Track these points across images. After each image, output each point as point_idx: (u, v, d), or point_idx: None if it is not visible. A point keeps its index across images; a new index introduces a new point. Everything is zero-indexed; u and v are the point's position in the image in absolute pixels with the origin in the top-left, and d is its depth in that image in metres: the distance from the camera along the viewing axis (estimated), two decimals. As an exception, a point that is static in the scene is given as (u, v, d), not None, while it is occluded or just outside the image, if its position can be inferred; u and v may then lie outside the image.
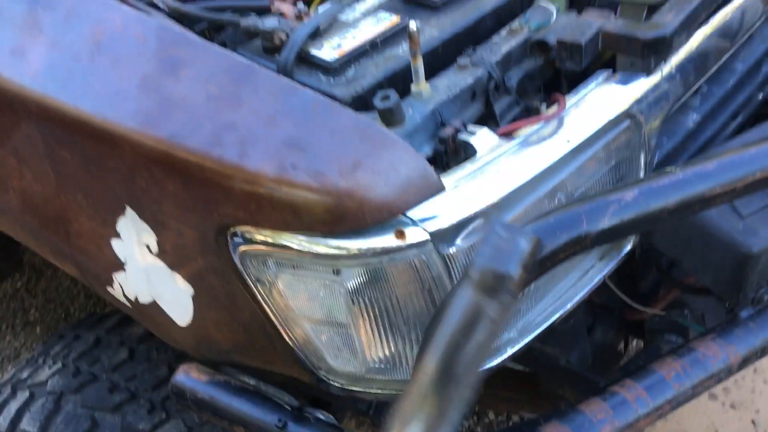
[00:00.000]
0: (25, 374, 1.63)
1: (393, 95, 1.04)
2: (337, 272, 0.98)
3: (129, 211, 1.09)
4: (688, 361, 1.10)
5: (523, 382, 1.70)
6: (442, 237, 0.97)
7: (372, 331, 1.03)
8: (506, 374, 1.67)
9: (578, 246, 0.84)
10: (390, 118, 1.05)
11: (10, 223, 1.30)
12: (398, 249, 0.96)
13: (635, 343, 2.10)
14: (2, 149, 1.20)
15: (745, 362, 1.13)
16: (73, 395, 1.53)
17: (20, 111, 1.13)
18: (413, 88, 1.11)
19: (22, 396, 1.56)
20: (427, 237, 0.96)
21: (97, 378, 1.55)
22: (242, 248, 1.01)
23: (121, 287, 1.20)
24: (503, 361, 1.14)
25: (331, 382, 1.12)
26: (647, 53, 1.16)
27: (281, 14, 1.23)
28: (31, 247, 1.34)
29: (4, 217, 1.30)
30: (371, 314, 1.01)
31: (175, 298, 1.14)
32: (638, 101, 1.16)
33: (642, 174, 1.21)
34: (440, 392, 0.56)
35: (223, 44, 1.33)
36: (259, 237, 0.99)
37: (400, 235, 0.95)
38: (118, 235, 1.13)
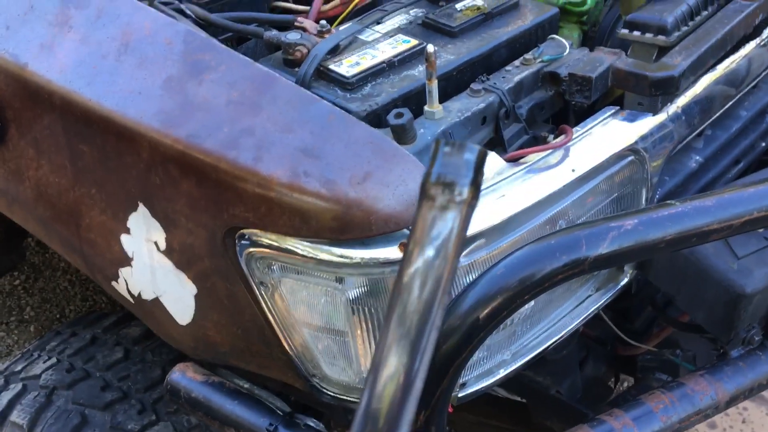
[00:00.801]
0: (19, 367, 1.64)
1: (407, 113, 1.07)
2: (339, 280, 1.01)
3: (141, 207, 1.11)
4: (676, 394, 1.12)
5: (514, 412, 1.71)
6: (445, 253, 1.00)
7: (369, 341, 1.05)
8: (497, 404, 1.69)
9: (577, 269, 0.86)
10: (402, 135, 1.08)
11: (22, 212, 1.33)
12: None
13: (626, 383, 2.11)
14: (22, 139, 1.23)
15: (733, 400, 1.14)
16: (65, 391, 1.54)
17: (44, 103, 1.16)
18: (426, 108, 1.14)
19: (15, 388, 1.57)
20: (430, 252, 0.98)
21: (91, 375, 1.56)
22: (248, 250, 1.03)
23: (126, 282, 1.22)
24: (495, 383, 1.16)
25: (324, 390, 1.13)
26: (655, 92, 1.20)
27: (304, 30, 1.27)
28: (40, 237, 1.36)
29: (16, 205, 1.33)
30: (370, 324, 1.03)
31: (178, 297, 1.16)
32: (643, 138, 1.20)
33: (643, 209, 1.24)
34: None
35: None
36: (266, 240, 1.01)
37: (404, 247, 0.97)
38: (128, 231, 1.15)
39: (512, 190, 1.07)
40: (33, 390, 1.55)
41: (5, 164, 1.27)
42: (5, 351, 2.97)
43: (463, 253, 1.02)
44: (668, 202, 0.91)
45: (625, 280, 1.29)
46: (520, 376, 1.23)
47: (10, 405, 1.54)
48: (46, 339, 1.72)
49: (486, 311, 0.87)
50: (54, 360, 1.62)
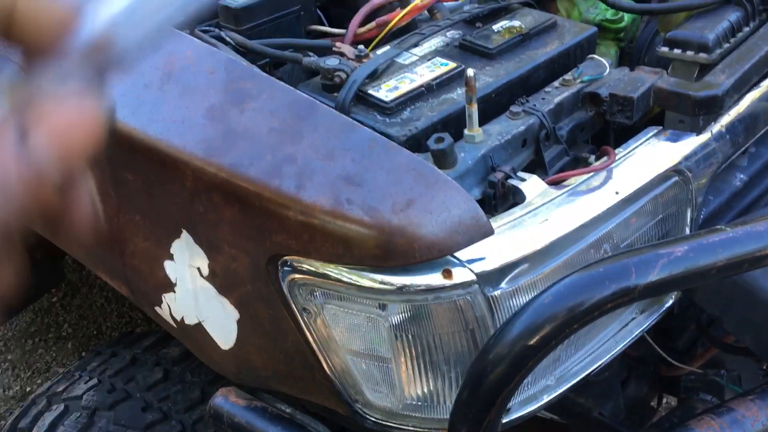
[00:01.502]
0: (61, 387, 1.66)
1: (447, 138, 1.07)
2: (382, 307, 1.00)
3: (185, 234, 1.12)
4: (726, 420, 1.10)
5: (555, 432, 1.69)
6: (488, 279, 0.99)
7: (412, 367, 1.04)
8: (539, 424, 1.66)
9: (626, 297, 0.85)
10: (443, 160, 1.08)
11: (66, 239, 1.35)
12: (444, 288, 0.98)
13: (668, 401, 2.07)
14: (67, 167, 1.24)
15: (785, 426, 1.12)
16: (106, 412, 1.55)
17: (88, 132, 1.18)
18: (466, 132, 1.14)
19: (57, 409, 1.59)
20: (474, 278, 0.98)
21: (131, 396, 1.58)
22: (291, 277, 1.03)
23: (169, 307, 1.23)
24: (539, 409, 1.15)
25: (367, 416, 1.13)
26: (698, 112, 1.18)
27: (342, 54, 1.27)
28: (85, 263, 1.38)
29: (61, 233, 1.35)
30: (413, 351, 1.03)
31: (221, 322, 1.17)
32: (687, 158, 1.18)
33: (687, 230, 1.22)
34: None
35: (281, 80, 1.38)
36: (309, 267, 1.02)
37: (448, 274, 0.97)
38: (171, 257, 1.16)
39: (555, 214, 1.06)
40: (75, 411, 1.57)
41: (50, 192, 1.29)
42: (44, 368, 3.01)
43: (506, 279, 1.01)
44: (718, 227, 0.90)
45: (670, 301, 1.27)
46: (562, 398, 1.21)
47: (53, 426, 1.56)
48: (87, 359, 1.75)
49: (534, 340, 0.86)
50: (95, 381, 1.64)
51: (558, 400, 1.17)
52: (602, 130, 1.32)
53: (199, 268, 1.14)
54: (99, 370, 1.68)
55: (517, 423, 1.14)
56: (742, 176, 1.34)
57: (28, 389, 2.92)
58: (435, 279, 0.98)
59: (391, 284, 0.98)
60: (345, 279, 1.00)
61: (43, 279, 2.42)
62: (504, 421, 1.12)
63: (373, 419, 1.13)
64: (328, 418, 1.24)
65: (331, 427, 1.26)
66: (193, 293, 1.17)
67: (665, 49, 1.27)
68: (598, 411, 1.49)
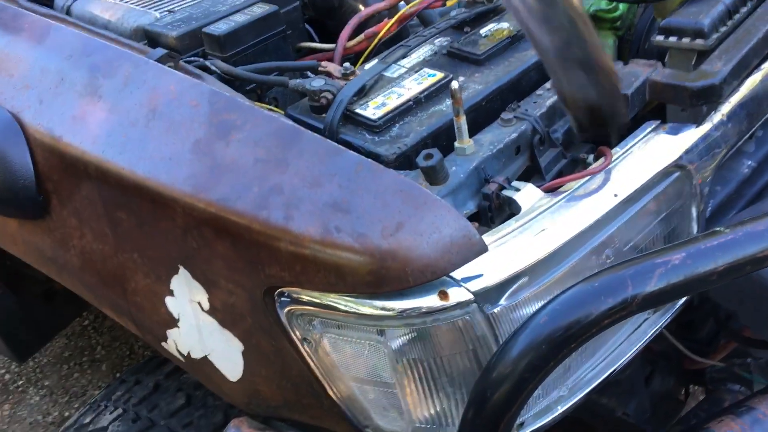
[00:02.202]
0: (87, 419, 1.68)
1: (436, 154, 1.05)
2: (381, 333, 0.99)
3: (182, 270, 1.12)
4: (747, 420, 1.06)
5: (581, 431, 1.66)
6: (486, 296, 0.97)
7: (417, 390, 1.03)
8: (563, 424, 1.64)
9: (624, 311, 0.82)
10: (433, 176, 1.06)
11: (71, 279, 1.36)
12: (442, 309, 0.96)
13: (697, 389, 2.03)
14: (64, 209, 1.25)
15: (810, 423, 1.08)
16: (132, 442, 1.56)
17: (81, 173, 1.18)
18: (457, 144, 1.11)
19: (85, 442, 1.61)
20: (471, 297, 0.96)
21: (155, 424, 1.59)
22: (288, 308, 1.02)
23: (175, 343, 1.23)
24: (554, 420, 1.12)
25: (378, 440, 1.12)
26: (696, 103, 1.14)
27: (328, 74, 1.26)
28: (91, 302, 1.39)
29: (65, 273, 1.36)
30: (416, 374, 1.01)
31: (226, 355, 1.16)
32: (688, 151, 1.14)
33: (694, 224, 1.19)
34: None
35: (275, 99, 1.37)
36: (305, 297, 1.01)
37: (444, 295, 0.95)
38: (171, 293, 1.16)
39: (553, 223, 1.04)
40: (102, 443, 1.59)
41: (51, 234, 1.30)
42: (80, 391, 3.06)
43: (506, 295, 0.99)
44: (717, 229, 0.86)
45: (684, 298, 1.24)
46: (585, 400, 1.19)
47: (82, 459, 1.58)
48: (112, 388, 1.76)
49: (532, 361, 0.84)
50: (120, 410, 1.65)
51: (580, 404, 1.15)
52: (602, 127, 1.28)
53: (199, 303, 1.13)
54: (123, 399, 1.69)
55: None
56: (749, 162, 1.30)
57: (66, 414, 2.97)
58: (431, 301, 0.96)
59: (388, 309, 0.97)
60: (341, 307, 0.99)
61: (67, 306, 2.45)
62: (519, 435, 1.10)
63: (384, 443, 1.12)
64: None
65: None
66: (196, 328, 1.17)
67: (660, 37, 1.22)
68: (622, 410, 1.46)
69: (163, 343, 1.26)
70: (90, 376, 3.12)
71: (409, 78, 1.24)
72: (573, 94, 0.94)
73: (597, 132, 1.03)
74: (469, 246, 0.95)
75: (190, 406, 1.62)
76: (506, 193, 1.07)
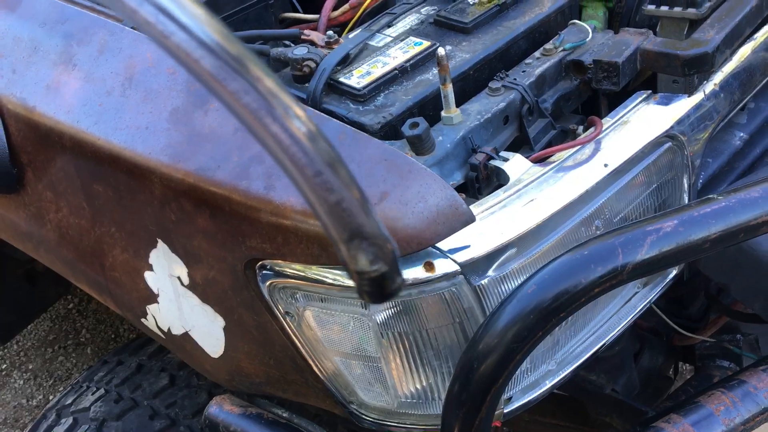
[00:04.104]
0: (69, 400, 1.65)
1: (422, 123, 1.02)
2: (365, 305, 0.96)
3: (160, 244, 1.09)
4: (738, 394, 1.05)
5: (572, 409, 1.64)
6: (474, 268, 0.95)
7: (402, 365, 1.00)
8: (554, 401, 1.62)
9: (614, 279, 0.80)
10: (419, 145, 1.03)
11: (48, 254, 1.32)
12: (428, 281, 0.93)
13: (687, 368, 2.02)
14: (39, 183, 1.22)
15: (802, 395, 1.06)
16: (114, 422, 1.54)
17: (56, 145, 1.15)
18: (443, 114, 1.08)
19: (66, 422, 1.58)
20: (458, 268, 0.93)
21: (139, 405, 1.56)
22: (270, 281, 1.00)
23: (155, 319, 1.20)
24: (542, 395, 1.10)
25: (363, 416, 1.09)
26: (688, 71, 1.11)
27: (311, 42, 1.22)
28: (69, 278, 1.36)
29: (42, 248, 1.32)
30: (401, 348, 0.99)
31: (207, 330, 1.13)
32: (680, 122, 1.12)
33: (686, 196, 1.17)
34: None
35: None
36: (287, 270, 0.98)
37: (429, 267, 0.93)
38: (150, 268, 1.13)
39: (541, 193, 1.01)
40: (83, 423, 1.56)
41: (27, 209, 1.27)
42: (65, 375, 3.03)
43: (493, 266, 0.96)
44: (710, 197, 0.84)
45: (674, 272, 1.22)
46: (573, 376, 1.17)
47: (63, 440, 1.55)
48: (94, 369, 1.73)
49: (520, 332, 0.81)
50: (102, 391, 1.63)
51: (568, 378, 1.13)
52: (592, 98, 1.25)
53: (179, 277, 1.10)
54: (106, 380, 1.66)
55: (520, 411, 1.10)
56: (741, 134, 1.27)
57: (51, 397, 2.94)
58: (417, 273, 0.93)
59: None
60: (325, 280, 0.96)
61: (47, 290, 2.42)
62: (506, 410, 1.08)
63: (369, 419, 1.09)
64: (327, 418, 1.22)
65: (332, 427, 1.23)
66: (176, 303, 1.14)
67: (651, 6, 1.20)
68: (611, 387, 1.45)
69: (142, 320, 1.23)
70: (75, 360, 3.08)
71: (394, 47, 1.21)
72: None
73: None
74: (456, 216, 0.92)
75: (174, 386, 1.60)
76: (494, 163, 1.04)
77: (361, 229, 0.59)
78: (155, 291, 1.15)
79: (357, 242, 0.59)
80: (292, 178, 0.58)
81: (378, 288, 0.63)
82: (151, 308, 1.18)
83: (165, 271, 1.11)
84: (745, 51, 1.21)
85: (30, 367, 3.06)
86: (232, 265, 1.02)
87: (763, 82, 1.27)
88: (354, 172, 0.93)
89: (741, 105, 1.25)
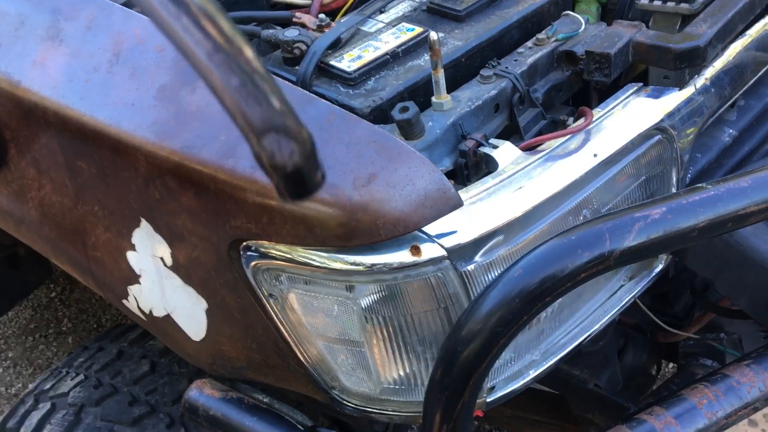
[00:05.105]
0: (48, 385, 1.63)
1: (412, 107, 1.01)
2: (350, 288, 0.95)
3: (144, 223, 1.07)
4: (721, 388, 1.04)
5: (554, 405, 1.64)
6: (460, 253, 0.94)
7: (386, 350, 0.99)
8: (536, 397, 1.62)
9: (601, 265, 0.80)
10: (409, 130, 1.02)
11: (29, 233, 1.30)
12: (413, 265, 0.92)
13: (669, 367, 2.03)
14: (23, 159, 1.20)
15: (784, 391, 1.06)
16: (93, 408, 1.52)
17: (40, 121, 1.13)
18: (434, 100, 1.08)
19: (44, 407, 1.56)
20: (444, 253, 0.92)
21: (118, 391, 1.55)
22: (255, 263, 0.98)
23: (136, 300, 1.18)
24: (525, 385, 1.10)
25: (345, 402, 1.08)
26: (680, 65, 1.11)
27: (302, 25, 1.21)
28: (50, 258, 1.34)
29: (23, 227, 1.30)
30: (385, 333, 0.98)
31: (189, 313, 1.12)
32: (670, 115, 1.12)
33: (674, 191, 1.16)
34: None
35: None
36: (272, 251, 0.97)
37: (416, 251, 0.92)
38: (133, 248, 1.11)
39: (530, 181, 1.00)
40: (62, 408, 1.54)
41: (8, 185, 1.25)
42: (45, 364, 3.00)
43: (480, 252, 0.96)
44: (699, 185, 0.84)
45: (660, 266, 1.22)
46: (556, 370, 1.16)
47: (40, 425, 1.53)
48: (74, 355, 1.72)
49: (505, 316, 0.81)
50: (81, 377, 1.61)
51: (552, 373, 1.13)
52: (583, 90, 1.25)
53: (162, 258, 1.09)
54: (85, 366, 1.65)
55: (503, 401, 1.09)
56: (731, 131, 1.28)
57: (30, 386, 2.91)
58: (403, 256, 0.92)
59: (358, 264, 0.93)
60: (309, 261, 0.95)
61: (29, 276, 2.39)
62: (489, 399, 1.08)
63: (351, 405, 1.08)
64: (309, 406, 1.20)
65: (313, 414, 1.22)
66: (158, 284, 1.12)
67: (645, 1, 1.19)
68: (594, 382, 1.45)
69: (123, 301, 1.21)
70: (56, 349, 3.06)
71: (386, 32, 1.20)
72: None
73: None
74: (444, 200, 0.91)
75: (155, 373, 1.58)
76: (484, 150, 1.04)
77: (272, 118, 0.55)
78: (137, 271, 1.14)
79: (268, 133, 0.55)
80: (189, 58, 0.54)
81: (296, 184, 0.59)
82: (133, 289, 1.17)
83: (148, 251, 1.10)
84: (736, 47, 1.21)
85: (10, 355, 3.02)
86: (216, 245, 1.00)
87: (754, 79, 1.27)
88: (342, 154, 0.93)
89: (731, 102, 1.25)
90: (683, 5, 1.16)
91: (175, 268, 1.08)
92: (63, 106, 1.08)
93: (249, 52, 0.55)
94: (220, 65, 0.52)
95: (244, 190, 0.94)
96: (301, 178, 0.59)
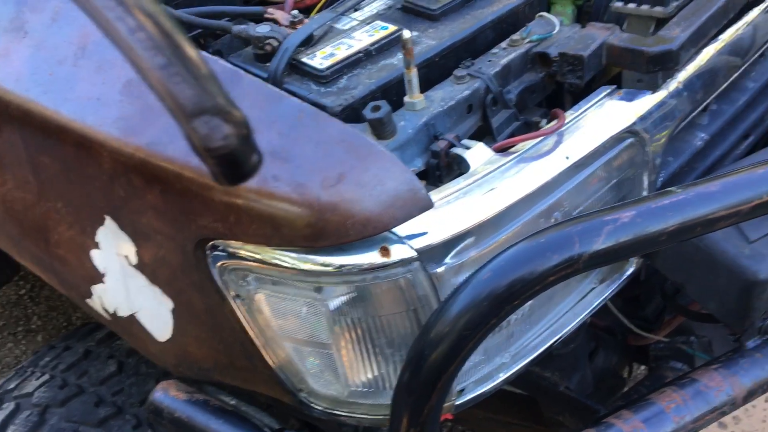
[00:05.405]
0: (12, 384, 1.60)
1: (384, 106, 1.00)
2: (318, 290, 0.94)
3: (108, 221, 1.05)
4: (689, 392, 1.04)
5: (524, 407, 1.64)
6: (430, 255, 0.93)
7: (354, 352, 0.98)
8: (507, 399, 1.62)
9: (570, 268, 0.79)
10: (381, 129, 1.01)
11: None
12: (383, 267, 0.91)
13: (641, 369, 2.04)
14: (-16, 154, 1.17)
15: (751, 395, 1.07)
16: (58, 408, 1.49)
17: (2, 115, 1.10)
18: (407, 99, 1.06)
19: (8, 407, 1.53)
20: (414, 255, 0.91)
21: (84, 391, 1.52)
22: (221, 262, 0.96)
23: (101, 300, 1.16)
24: (495, 388, 1.09)
25: (313, 405, 1.07)
26: (653, 68, 1.11)
27: (275, 21, 1.19)
28: (13, 256, 1.31)
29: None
30: (354, 335, 0.96)
31: (155, 313, 1.10)
32: (642, 118, 1.11)
33: (645, 194, 1.16)
34: None
35: (219, 52, 1.29)
36: (239, 251, 0.95)
37: (385, 252, 0.91)
38: (97, 246, 1.09)
39: (502, 183, 1.00)
40: (26, 409, 1.51)
41: (-30, 181, 1.21)
42: (13, 362, 2.94)
43: (451, 254, 0.95)
44: (669, 189, 0.83)
45: (631, 269, 1.22)
46: (527, 372, 1.16)
47: (4, 425, 1.50)
48: (40, 354, 1.68)
49: (473, 319, 0.80)
50: (47, 376, 1.58)
51: (523, 375, 1.12)
52: (556, 92, 1.25)
53: (127, 257, 1.06)
54: (51, 365, 1.61)
55: (473, 404, 1.09)
56: (703, 135, 1.28)
57: (-3, 385, 2.85)
58: (372, 257, 0.91)
59: (326, 265, 0.91)
60: (277, 262, 0.93)
61: (-2, 270, 2.34)
62: (458, 402, 1.07)
63: (319, 408, 1.07)
64: (279, 408, 1.19)
65: (284, 417, 1.20)
66: (123, 284, 1.10)
67: (619, 4, 1.19)
68: (565, 385, 1.45)
69: (87, 300, 1.18)
70: (24, 347, 3.00)
71: (360, 30, 1.19)
72: None
73: None
74: (414, 201, 0.90)
75: (122, 373, 1.56)
76: (456, 150, 1.03)
77: (204, 99, 0.53)
78: (101, 270, 1.11)
79: (201, 115, 0.53)
80: (111, 36, 0.52)
81: (231, 168, 0.57)
82: (97, 288, 1.14)
83: (112, 249, 1.07)
84: (709, 52, 1.21)
85: (-23, 352, 2.97)
86: (182, 244, 0.98)
87: (726, 83, 1.28)
88: (311, 152, 0.91)
89: (703, 106, 1.25)
90: (657, 8, 1.16)
91: (141, 267, 1.06)
92: (26, 99, 1.06)
93: (174, 30, 0.53)
94: (144, 43, 0.50)
95: (210, 188, 0.92)
96: (236, 162, 0.57)
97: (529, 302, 1.00)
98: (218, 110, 0.53)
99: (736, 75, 1.30)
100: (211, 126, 0.53)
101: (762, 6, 1.32)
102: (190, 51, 0.53)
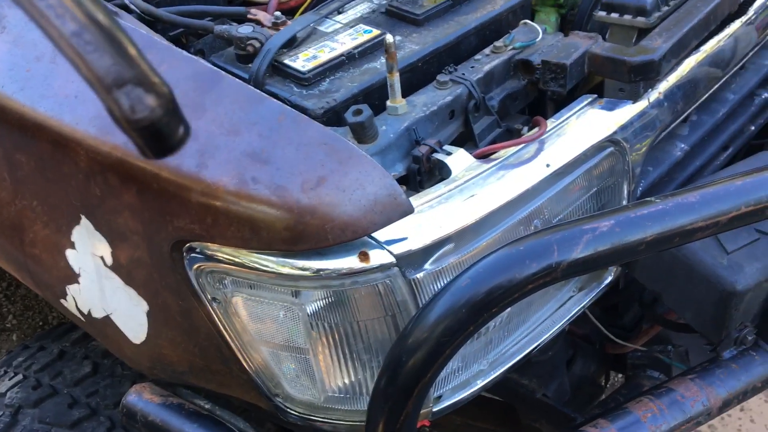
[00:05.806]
0: (-16, 385, 1.57)
1: (366, 110, 0.99)
2: (296, 294, 0.93)
3: (84, 220, 1.03)
4: (665, 401, 1.05)
5: (503, 414, 1.64)
6: (410, 261, 0.92)
7: (332, 357, 0.97)
8: (485, 405, 1.61)
9: (548, 276, 0.79)
10: (362, 133, 1.00)
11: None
12: (361, 272, 0.90)
13: (618, 377, 2.05)
14: (-42, 150, 1.14)
15: (726, 405, 1.07)
16: (31, 409, 1.47)
17: (-22, 111, 1.08)
18: (389, 103, 1.06)
19: (-20, 408, 1.50)
20: (393, 260, 0.91)
21: (58, 392, 1.50)
22: (198, 265, 0.95)
23: (75, 300, 1.14)
24: (473, 395, 1.09)
25: (289, 410, 1.06)
26: (634, 78, 1.12)
27: (257, 22, 1.18)
28: (-14, 254, 1.28)
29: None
30: (331, 340, 0.96)
31: (129, 314, 1.08)
32: (623, 127, 1.12)
33: (625, 203, 1.17)
34: None
35: (200, 52, 1.28)
36: (215, 254, 0.94)
37: (364, 257, 0.90)
38: (72, 246, 1.07)
39: (482, 190, 0.99)
40: (-2, 409, 1.49)
41: (-57, 177, 1.19)
42: (-14, 361, 2.89)
43: (430, 260, 0.94)
44: (647, 199, 0.84)
45: (610, 278, 1.22)
46: (505, 379, 1.16)
47: (-25, 426, 1.47)
48: (14, 354, 1.66)
49: (451, 326, 0.79)
50: (20, 377, 1.55)
51: (501, 382, 1.12)
52: (539, 99, 1.25)
53: (102, 257, 1.05)
54: (25, 366, 1.59)
55: (450, 410, 1.08)
56: (683, 145, 1.29)
57: (-32, 385, 2.80)
58: (351, 262, 0.90)
59: (304, 269, 0.91)
60: (254, 265, 0.92)
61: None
62: (435, 409, 1.06)
63: (295, 413, 1.06)
64: (256, 412, 1.17)
65: (260, 421, 1.19)
66: (98, 284, 1.08)
67: (602, 13, 1.20)
68: (542, 392, 1.45)
69: (62, 301, 1.16)
70: (-2, 346, 2.96)
71: (343, 33, 1.18)
72: None
73: None
74: (394, 206, 0.90)
75: (97, 374, 1.53)
76: (437, 156, 1.03)
77: (125, 69, 0.51)
78: (76, 270, 1.09)
79: (123, 85, 0.51)
80: (22, 4, 0.50)
81: (157, 140, 0.54)
82: (72, 289, 1.12)
83: (87, 249, 1.05)
84: (690, 63, 1.22)
85: (-50, 352, 2.92)
86: (158, 245, 0.97)
87: (707, 95, 1.29)
88: (292, 155, 0.90)
89: (684, 116, 1.26)
90: (639, 19, 1.17)
91: (116, 268, 1.04)
92: (2, 96, 1.04)
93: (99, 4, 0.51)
94: (54, 9, 0.48)
95: (188, 189, 0.90)
96: (162, 135, 0.54)
97: (508, 310, 1.00)
98: (140, 80, 0.51)
99: (716, 86, 1.31)
100: (133, 97, 0.51)
101: (743, 18, 1.33)
102: (105, 18, 0.51)
